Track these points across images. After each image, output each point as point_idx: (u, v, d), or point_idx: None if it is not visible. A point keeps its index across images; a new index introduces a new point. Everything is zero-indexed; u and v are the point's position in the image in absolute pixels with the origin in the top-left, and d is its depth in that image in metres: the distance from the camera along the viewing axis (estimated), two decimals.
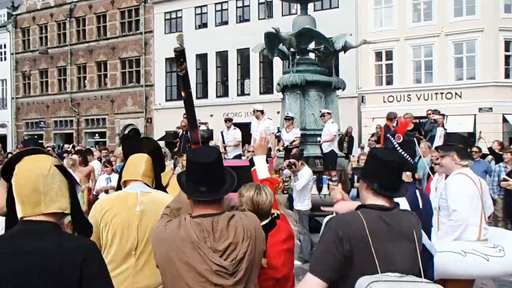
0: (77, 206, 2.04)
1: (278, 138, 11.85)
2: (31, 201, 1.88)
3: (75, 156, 9.63)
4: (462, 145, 4.45)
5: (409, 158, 3.97)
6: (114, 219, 2.88)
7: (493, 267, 3.87)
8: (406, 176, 2.73)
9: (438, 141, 11.82)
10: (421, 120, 14.20)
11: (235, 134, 12.28)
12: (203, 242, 2.14)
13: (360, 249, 2.21)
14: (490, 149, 11.72)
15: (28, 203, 1.88)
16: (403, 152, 3.83)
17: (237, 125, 13.84)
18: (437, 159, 8.36)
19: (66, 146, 18.10)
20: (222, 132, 12.60)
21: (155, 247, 2.23)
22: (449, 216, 4.13)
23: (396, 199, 2.45)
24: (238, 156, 11.40)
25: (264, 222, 2.79)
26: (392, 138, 3.99)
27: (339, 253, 2.22)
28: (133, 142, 3.62)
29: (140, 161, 3.14)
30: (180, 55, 2.53)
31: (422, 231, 2.53)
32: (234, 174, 2.40)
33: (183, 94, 2.64)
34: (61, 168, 1.99)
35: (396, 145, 3.89)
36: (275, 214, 2.93)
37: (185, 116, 13.96)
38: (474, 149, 10.75)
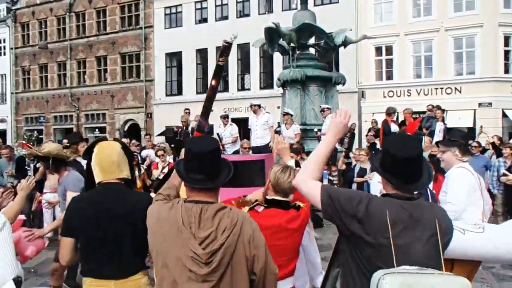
0: (133, 174, 3.11)
1: (279, 134, 11.85)
2: (110, 170, 2.90)
3: None
4: (463, 140, 4.49)
5: None
6: None
7: (469, 241, 3.79)
8: None
9: (438, 135, 11.87)
10: (420, 115, 14.23)
11: (232, 130, 12.25)
12: (187, 227, 2.21)
13: (378, 234, 2.23)
14: (493, 144, 11.73)
15: (108, 171, 2.90)
16: None
17: (237, 120, 13.89)
18: (436, 154, 8.38)
19: (65, 141, 17.94)
20: (218, 131, 12.58)
21: (151, 228, 2.32)
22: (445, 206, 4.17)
23: None
24: (237, 152, 11.39)
25: (278, 197, 3.01)
26: None
27: (356, 211, 2.28)
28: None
29: None
30: (229, 47, 2.79)
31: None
32: (231, 165, 2.47)
33: (213, 82, 2.82)
34: (124, 149, 3.02)
35: None
36: (297, 205, 3.04)
37: (186, 111, 14.03)
38: (474, 144, 10.77)
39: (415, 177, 2.35)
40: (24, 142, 9.86)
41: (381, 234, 2.22)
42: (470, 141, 12.11)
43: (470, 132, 20.61)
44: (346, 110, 2.65)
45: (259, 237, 2.33)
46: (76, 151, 6.94)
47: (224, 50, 2.81)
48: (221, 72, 2.89)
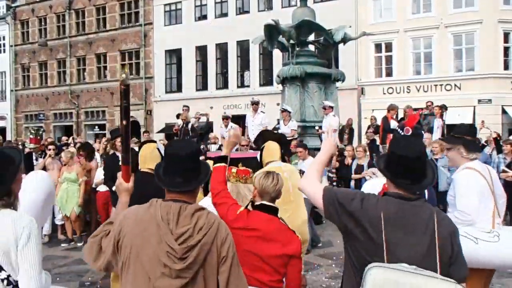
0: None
1: (277, 131, 11.88)
2: (144, 161, 4.35)
3: (73, 149, 9.68)
4: (470, 136, 4.18)
5: None
6: None
7: (482, 251, 3.62)
8: None
9: (437, 132, 11.90)
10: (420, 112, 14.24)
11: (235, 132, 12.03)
12: (165, 223, 2.24)
13: (369, 229, 2.29)
14: (495, 139, 11.72)
15: (143, 162, 4.35)
16: None
17: (237, 117, 13.88)
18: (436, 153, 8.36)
19: (64, 138, 17.88)
20: (221, 131, 12.41)
21: (127, 227, 2.29)
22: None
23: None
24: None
25: (265, 202, 3.20)
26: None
27: (350, 206, 2.37)
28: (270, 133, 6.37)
29: (276, 147, 4.66)
30: (127, 88, 2.63)
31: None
32: (209, 167, 2.55)
33: (124, 123, 2.63)
34: (158, 150, 4.39)
35: None
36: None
37: (184, 108, 14.02)
38: None
39: (419, 177, 2.37)
40: (32, 137, 9.89)
41: (371, 229, 2.27)
42: None
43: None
44: (330, 129, 3.16)
45: (231, 242, 2.35)
46: (113, 145, 7.95)
47: (125, 92, 2.60)
48: (129, 111, 2.66)
